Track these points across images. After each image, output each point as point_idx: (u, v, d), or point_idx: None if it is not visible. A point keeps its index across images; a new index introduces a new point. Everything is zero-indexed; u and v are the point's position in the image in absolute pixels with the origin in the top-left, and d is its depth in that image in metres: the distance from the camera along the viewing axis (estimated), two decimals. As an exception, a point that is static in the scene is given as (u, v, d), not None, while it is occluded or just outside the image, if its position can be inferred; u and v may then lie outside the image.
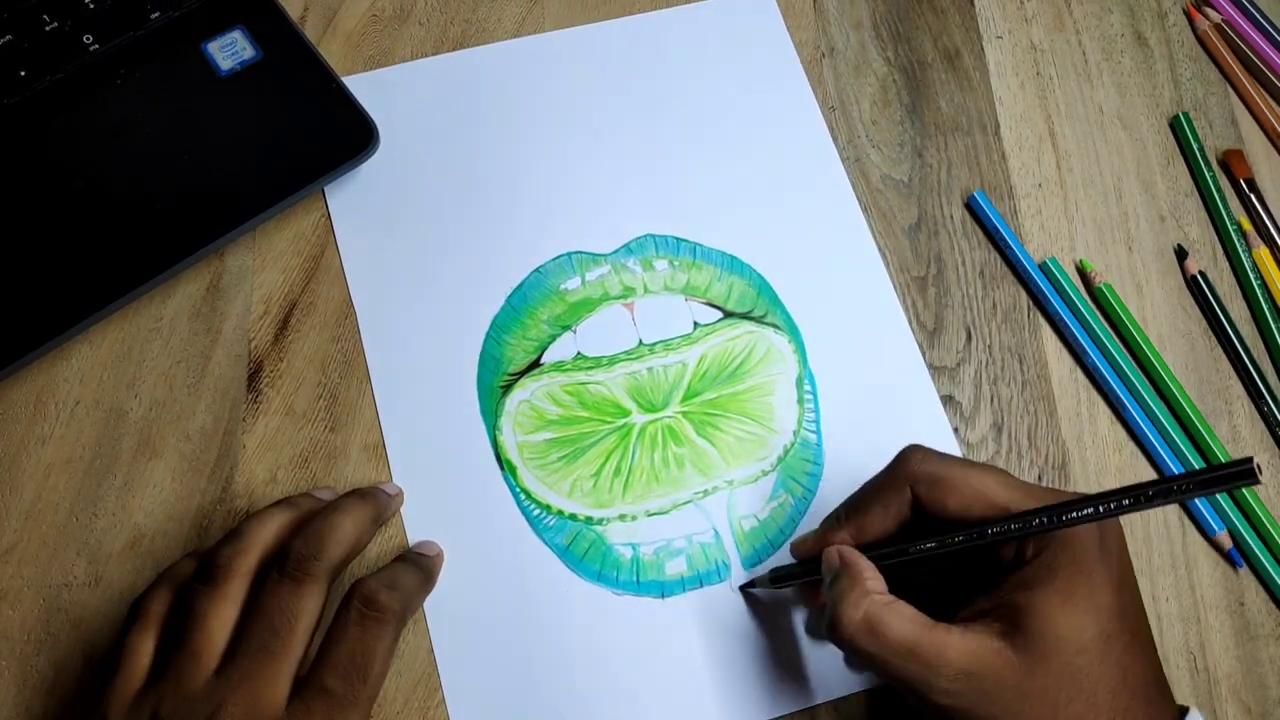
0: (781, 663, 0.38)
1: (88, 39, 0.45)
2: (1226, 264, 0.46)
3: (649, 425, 0.42)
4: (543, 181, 0.46)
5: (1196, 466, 0.42)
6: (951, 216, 0.46)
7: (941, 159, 0.48)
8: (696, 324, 0.43)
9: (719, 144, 0.47)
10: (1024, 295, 0.45)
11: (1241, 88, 0.50)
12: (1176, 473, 0.42)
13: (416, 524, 0.40)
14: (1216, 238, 0.47)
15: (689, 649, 0.38)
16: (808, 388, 0.43)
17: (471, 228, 0.45)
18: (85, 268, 0.42)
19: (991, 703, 0.30)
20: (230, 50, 0.46)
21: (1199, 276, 0.45)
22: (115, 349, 0.42)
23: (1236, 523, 0.41)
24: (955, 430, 0.42)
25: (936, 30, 0.51)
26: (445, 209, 0.45)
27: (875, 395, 0.42)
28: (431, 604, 0.38)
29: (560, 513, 0.40)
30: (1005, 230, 0.45)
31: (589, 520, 0.40)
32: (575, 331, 0.43)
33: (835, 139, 0.48)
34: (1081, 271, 0.45)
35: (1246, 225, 0.47)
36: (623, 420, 0.42)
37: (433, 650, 0.38)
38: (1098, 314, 0.44)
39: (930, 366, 0.44)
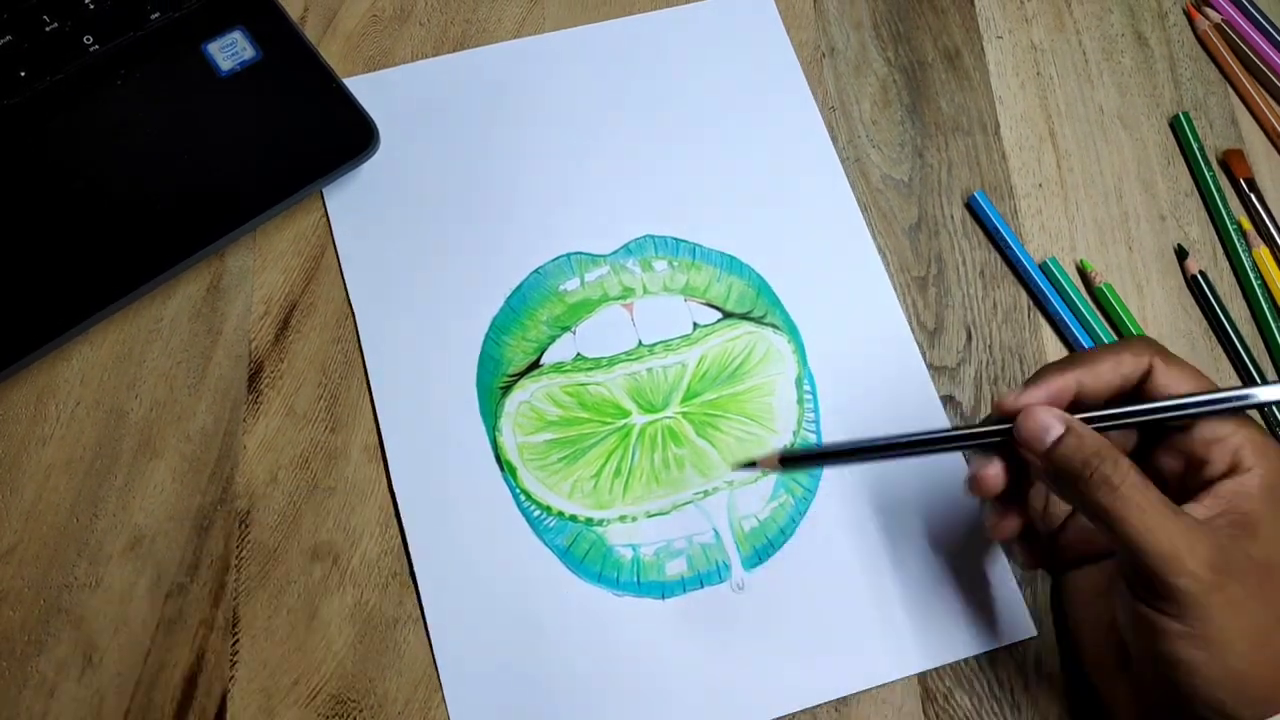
0: (782, 663, 0.38)
1: (88, 39, 0.45)
2: (1227, 264, 0.46)
3: (649, 426, 0.42)
4: (542, 182, 0.46)
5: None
6: (952, 216, 0.46)
7: (942, 159, 0.48)
8: (696, 324, 0.43)
9: (718, 144, 0.47)
10: (1024, 295, 0.45)
11: (1241, 88, 0.50)
12: None
13: (417, 526, 0.40)
14: (1217, 237, 0.47)
15: (690, 649, 0.38)
16: (807, 388, 0.43)
17: (471, 228, 0.45)
18: (85, 268, 0.42)
19: (1229, 599, 0.29)
20: (230, 50, 0.46)
21: (1199, 276, 0.45)
22: (115, 349, 0.42)
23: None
24: (956, 430, 0.42)
25: (937, 30, 0.51)
26: (444, 210, 0.45)
27: (875, 395, 0.42)
28: (432, 605, 0.38)
29: (560, 514, 0.40)
30: (1005, 230, 0.45)
31: (589, 521, 0.40)
32: (575, 332, 0.43)
33: (835, 139, 0.48)
34: (1082, 271, 0.45)
35: (1247, 225, 0.47)
36: (623, 421, 0.42)
37: (433, 650, 0.38)
38: (1098, 314, 0.44)
39: (930, 366, 0.44)
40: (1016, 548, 0.36)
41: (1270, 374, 0.44)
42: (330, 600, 0.39)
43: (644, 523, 0.40)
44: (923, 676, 0.38)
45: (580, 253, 0.44)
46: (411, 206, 0.45)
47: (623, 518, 0.40)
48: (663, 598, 0.39)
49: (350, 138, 0.45)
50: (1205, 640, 0.29)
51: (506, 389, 0.42)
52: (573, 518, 0.40)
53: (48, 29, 0.46)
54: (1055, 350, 0.44)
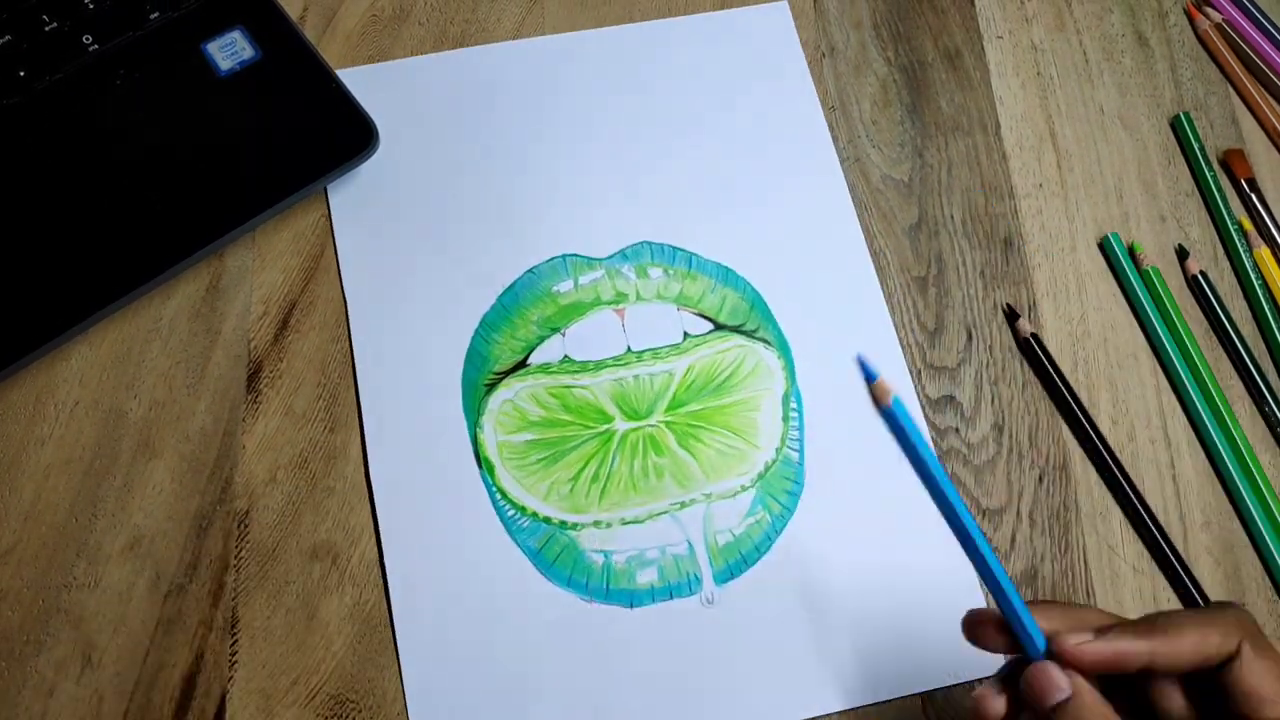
0: (749, 679, 0.38)
1: (87, 39, 0.45)
2: (1227, 264, 0.46)
3: (631, 433, 0.41)
4: (541, 183, 0.46)
5: (1199, 460, 0.42)
6: (952, 216, 0.46)
7: (942, 159, 0.48)
8: (686, 334, 0.43)
9: (720, 154, 0.47)
10: (1025, 295, 0.45)
11: (1242, 88, 0.50)
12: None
13: (392, 518, 0.40)
14: (1217, 237, 0.47)
15: (655, 660, 0.38)
16: (794, 405, 0.42)
17: (468, 227, 0.45)
18: (85, 268, 0.41)
19: None
20: (230, 50, 0.46)
21: (1199, 276, 0.45)
22: (115, 349, 0.42)
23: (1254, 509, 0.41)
24: (955, 430, 0.42)
25: (937, 30, 0.51)
26: (442, 208, 0.45)
27: (861, 419, 0.42)
28: (399, 597, 0.38)
29: (535, 515, 0.40)
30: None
31: (563, 524, 0.40)
32: (564, 334, 0.43)
33: (835, 139, 0.48)
34: (1132, 253, 0.45)
35: (1247, 225, 0.47)
36: (605, 426, 0.41)
37: (395, 641, 0.38)
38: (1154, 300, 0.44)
39: (931, 366, 0.43)
40: None
41: (1271, 375, 0.44)
42: (329, 600, 0.39)
43: (618, 530, 0.40)
44: (922, 677, 0.38)
45: (576, 255, 0.44)
46: (409, 203, 0.45)
47: (597, 523, 0.40)
48: (631, 606, 0.39)
49: (350, 137, 0.45)
50: None
51: (491, 386, 0.42)
52: (547, 520, 0.40)
53: (47, 29, 0.46)
54: (1055, 350, 0.44)
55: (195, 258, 0.42)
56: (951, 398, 0.43)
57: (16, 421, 0.41)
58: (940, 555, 0.40)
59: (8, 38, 0.45)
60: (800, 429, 0.42)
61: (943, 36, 0.50)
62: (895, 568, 0.40)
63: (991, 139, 0.48)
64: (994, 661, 0.39)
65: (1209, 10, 0.51)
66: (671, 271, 0.44)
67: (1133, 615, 0.40)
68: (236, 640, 0.38)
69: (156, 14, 0.46)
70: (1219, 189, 0.47)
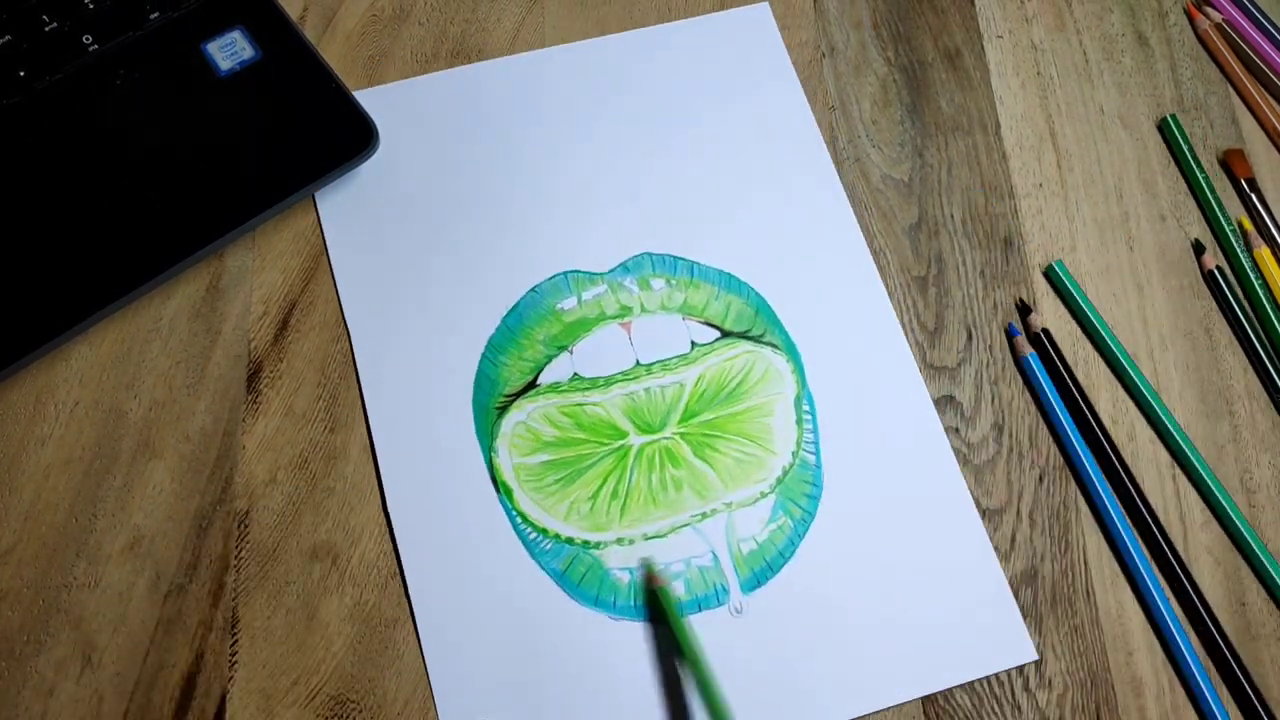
0: (781, 688, 0.38)
1: (87, 39, 0.45)
2: (1227, 264, 0.46)
3: (646, 447, 0.41)
4: (538, 199, 0.46)
5: (1194, 453, 0.42)
6: (952, 216, 0.46)
7: (942, 159, 0.48)
8: (694, 344, 0.43)
9: (716, 162, 0.47)
10: (1025, 295, 0.45)
11: (1242, 87, 0.50)
12: (1186, 458, 0.42)
13: (414, 551, 0.39)
14: (1216, 238, 0.47)
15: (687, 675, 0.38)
16: (806, 408, 0.42)
17: (467, 246, 0.44)
18: (85, 268, 0.42)
19: None
20: (230, 50, 0.46)
21: (1215, 272, 0.45)
22: (115, 349, 0.42)
23: (1236, 521, 0.41)
24: (955, 430, 0.42)
25: (937, 30, 0.51)
26: (440, 227, 0.45)
27: (874, 416, 0.42)
28: (426, 628, 0.38)
29: (557, 536, 0.40)
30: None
31: (586, 544, 0.40)
32: (572, 352, 0.43)
33: (835, 139, 0.48)
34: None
35: (1248, 225, 0.47)
36: (620, 442, 0.41)
37: (428, 674, 0.38)
38: (1101, 315, 0.44)
39: (931, 366, 0.43)
40: None
41: (1275, 375, 0.44)
42: (329, 600, 0.39)
43: (641, 545, 0.40)
44: (922, 677, 0.38)
45: (577, 271, 0.44)
46: (406, 224, 0.45)
47: (620, 540, 0.40)
48: None
49: (350, 137, 0.45)
50: None
51: (503, 409, 0.42)
52: (569, 540, 0.40)
53: (47, 29, 0.46)
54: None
55: (195, 258, 0.42)
56: (951, 398, 0.43)
57: (16, 421, 0.41)
58: (962, 549, 0.40)
59: (8, 38, 0.45)
60: (815, 431, 0.42)
61: (943, 36, 0.50)
62: (919, 562, 0.40)
63: (991, 139, 0.48)
64: (1002, 656, 0.39)
65: (1209, 10, 0.51)
66: (674, 281, 0.44)
67: (1132, 616, 0.40)
68: (236, 640, 0.38)
69: (156, 14, 0.46)
70: (1211, 190, 0.47)
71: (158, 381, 0.42)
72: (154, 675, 0.37)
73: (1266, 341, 0.45)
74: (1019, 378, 0.44)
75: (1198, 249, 0.46)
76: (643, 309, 0.44)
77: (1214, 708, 0.38)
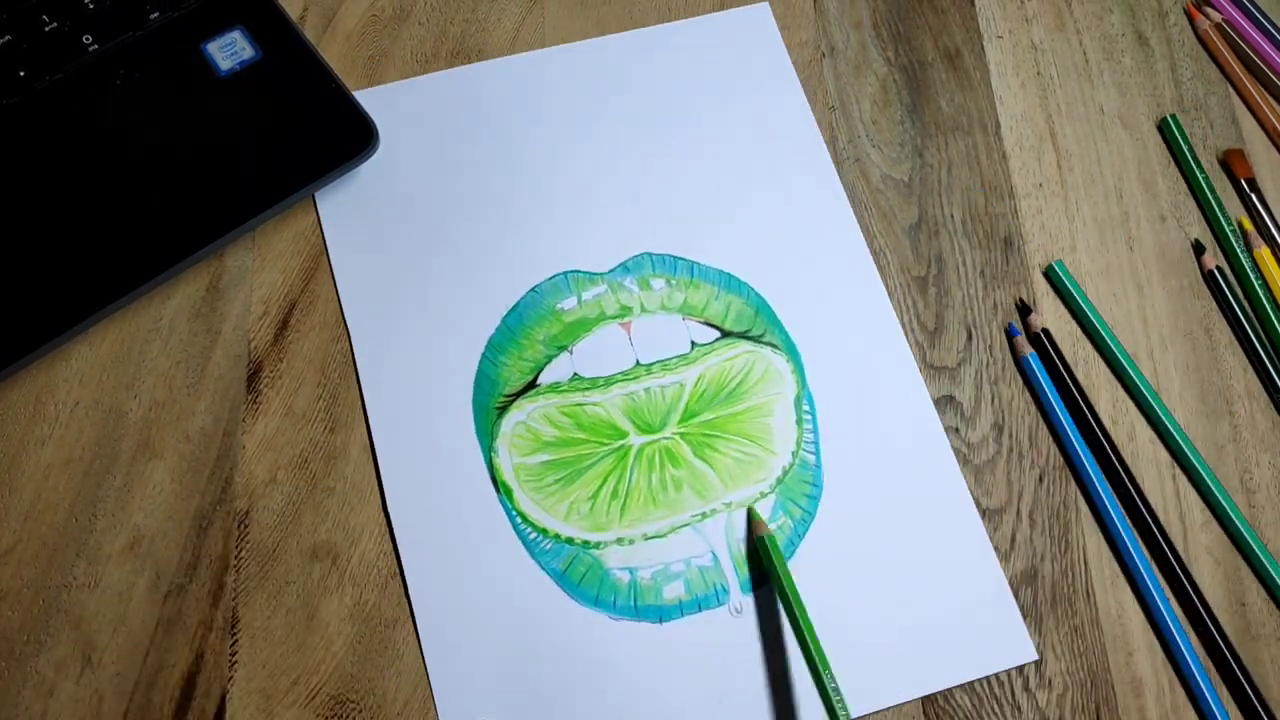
0: (781, 689, 0.38)
1: (87, 39, 0.45)
2: (1227, 264, 0.46)
3: (646, 447, 0.41)
4: (538, 199, 0.46)
5: (1194, 453, 0.42)
6: (952, 216, 0.46)
7: (942, 159, 0.48)
8: (694, 344, 0.43)
9: (716, 162, 0.47)
10: (1025, 295, 0.45)
11: (1242, 87, 0.50)
12: (1186, 458, 0.42)
13: (414, 551, 0.39)
14: (1215, 238, 0.47)
15: (688, 674, 0.38)
16: (806, 408, 0.42)
17: (467, 246, 0.44)
18: (85, 268, 0.42)
19: None
20: (230, 50, 0.46)
21: (1215, 272, 0.45)
22: (115, 349, 0.42)
23: (1236, 522, 0.41)
24: (955, 430, 0.42)
25: (937, 30, 0.51)
26: (440, 227, 0.45)
27: (874, 416, 0.42)
28: (426, 628, 0.38)
29: (557, 536, 0.40)
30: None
31: (586, 544, 0.40)
32: (572, 352, 0.43)
33: (835, 139, 0.48)
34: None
35: (1248, 225, 0.47)
36: (620, 442, 0.41)
37: (428, 675, 0.38)
38: (1101, 315, 0.44)
39: (931, 366, 0.43)
40: None
41: (1275, 375, 0.44)
42: (329, 600, 0.39)
43: (641, 545, 0.40)
44: (922, 677, 0.38)
45: (577, 271, 0.44)
46: (406, 224, 0.45)
47: (620, 540, 0.40)
48: (660, 622, 0.39)
49: (350, 137, 0.45)
50: None
51: (503, 409, 0.42)
52: (569, 540, 0.40)
53: (47, 29, 0.46)
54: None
55: (195, 258, 0.42)
56: (951, 398, 0.43)
57: (16, 421, 0.41)
58: (962, 549, 0.40)
59: (8, 38, 0.45)
60: (815, 431, 0.42)
61: (943, 36, 0.50)
62: (919, 562, 0.40)
63: (991, 139, 0.48)
64: (1002, 656, 0.39)
65: (1209, 10, 0.51)
66: (674, 281, 0.44)
67: (1132, 616, 0.40)
68: (236, 640, 0.38)
69: (156, 14, 0.46)
70: (1211, 190, 0.47)
71: (158, 381, 0.42)
72: (154, 675, 0.37)
73: (1266, 341, 0.45)
74: (1019, 378, 0.44)
75: (1198, 249, 0.46)
76: (643, 309, 0.44)
77: (1214, 708, 0.38)
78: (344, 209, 0.45)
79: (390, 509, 0.40)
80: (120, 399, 0.41)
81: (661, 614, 0.39)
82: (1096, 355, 0.44)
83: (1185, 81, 0.50)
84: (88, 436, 0.41)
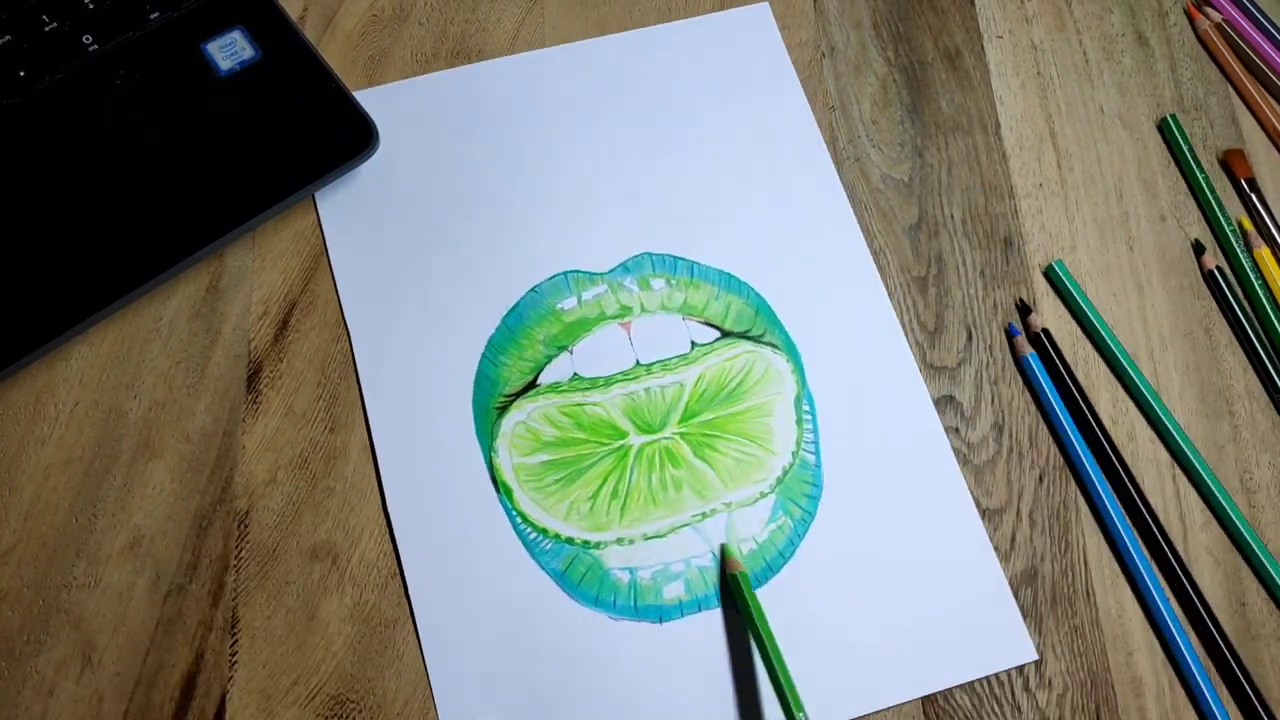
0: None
1: (87, 39, 0.45)
2: (1227, 264, 0.46)
3: (646, 447, 0.41)
4: (539, 199, 0.45)
5: (1194, 453, 0.42)
6: (952, 216, 0.46)
7: (942, 159, 0.48)
8: (694, 344, 0.43)
9: (716, 162, 0.47)
10: (1025, 295, 0.45)
11: (1242, 87, 0.50)
12: (1186, 458, 0.42)
13: (414, 550, 0.39)
14: (1216, 238, 0.47)
15: (688, 674, 0.38)
16: (806, 408, 0.42)
17: (467, 246, 0.44)
18: (85, 268, 0.42)
19: None
20: (230, 50, 0.46)
21: (1215, 272, 0.45)
22: (115, 349, 0.42)
23: (1236, 522, 0.41)
24: (955, 430, 0.42)
25: (937, 30, 0.51)
26: (440, 227, 0.45)
27: (874, 416, 0.42)
28: (426, 628, 0.38)
29: (557, 536, 0.40)
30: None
31: (586, 544, 0.40)
32: (572, 352, 0.43)
33: (835, 139, 0.48)
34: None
35: (1248, 225, 0.47)
36: (620, 442, 0.41)
37: (428, 675, 0.38)
38: (1101, 315, 0.44)
39: (931, 366, 0.43)
40: None
41: (1275, 375, 0.44)
42: (329, 600, 0.39)
43: (641, 545, 0.40)
44: (922, 677, 0.38)
45: (577, 271, 0.44)
46: (406, 224, 0.45)
47: (620, 540, 0.40)
48: (660, 621, 0.39)
49: (350, 137, 0.45)
50: None
51: (503, 409, 0.42)
52: (569, 540, 0.40)
53: (47, 29, 0.46)
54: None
55: (195, 258, 0.42)
56: (951, 398, 0.43)
57: (16, 421, 0.41)
58: (962, 549, 0.40)
59: (8, 38, 0.45)
60: (815, 431, 0.42)
61: (943, 36, 0.50)
62: (919, 562, 0.40)
63: (991, 139, 0.48)
64: (1002, 656, 0.39)
65: (1209, 10, 0.51)
66: (674, 281, 0.44)
67: (1132, 616, 0.40)
68: (236, 640, 0.38)
69: (156, 14, 0.46)
70: (1211, 190, 0.47)
71: (158, 381, 0.42)
72: (154, 675, 0.37)
73: (1266, 341, 0.45)
74: (1019, 378, 0.44)
75: (1198, 249, 0.46)
76: (643, 309, 0.44)
77: (1214, 708, 0.38)
78: (344, 209, 0.45)
79: (390, 509, 0.40)
80: (120, 399, 0.41)
81: (661, 614, 0.39)
82: (1096, 355, 0.44)
83: (1185, 81, 0.50)
84: (88, 436, 0.41)
